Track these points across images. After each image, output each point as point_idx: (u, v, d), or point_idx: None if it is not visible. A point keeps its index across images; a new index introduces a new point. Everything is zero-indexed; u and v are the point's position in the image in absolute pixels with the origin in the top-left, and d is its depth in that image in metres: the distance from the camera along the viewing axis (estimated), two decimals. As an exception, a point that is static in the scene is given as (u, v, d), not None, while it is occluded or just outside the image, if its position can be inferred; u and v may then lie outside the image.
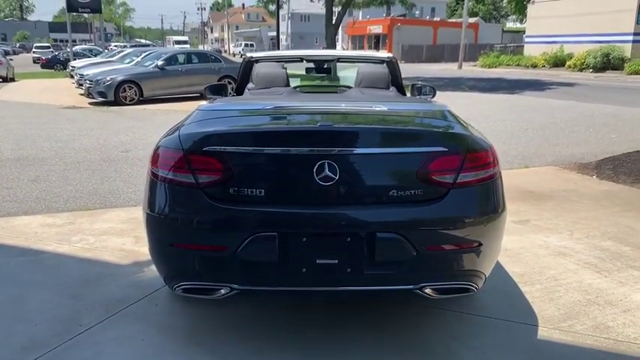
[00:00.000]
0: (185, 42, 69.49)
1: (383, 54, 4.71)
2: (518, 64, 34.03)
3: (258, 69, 4.24)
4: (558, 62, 31.40)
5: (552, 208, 5.11)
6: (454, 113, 2.97)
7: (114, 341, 2.74)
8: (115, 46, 42.62)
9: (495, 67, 34.95)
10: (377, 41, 52.70)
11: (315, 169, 2.33)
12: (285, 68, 4.23)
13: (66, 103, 14.53)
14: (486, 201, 2.55)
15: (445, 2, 71.79)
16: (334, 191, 2.36)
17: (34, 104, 14.69)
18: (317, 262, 2.37)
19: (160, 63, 15.42)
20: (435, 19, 61.26)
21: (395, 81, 4.77)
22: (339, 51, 5.37)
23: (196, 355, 2.63)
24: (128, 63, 17.43)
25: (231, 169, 2.40)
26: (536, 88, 19.55)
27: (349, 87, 3.91)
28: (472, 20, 53.87)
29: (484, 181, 2.53)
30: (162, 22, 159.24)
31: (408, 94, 4.84)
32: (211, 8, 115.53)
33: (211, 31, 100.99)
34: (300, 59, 4.71)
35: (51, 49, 43.88)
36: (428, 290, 2.46)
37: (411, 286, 2.45)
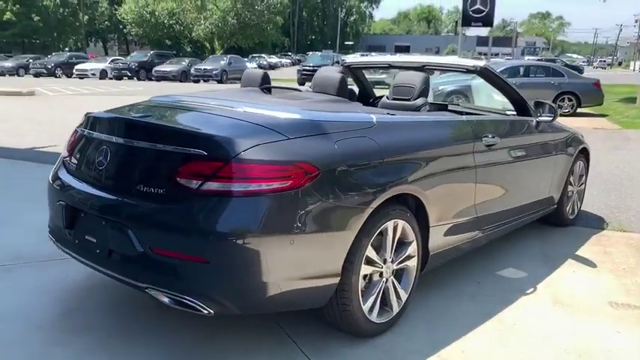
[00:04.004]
0: None
1: (470, 62, 3.89)
2: None
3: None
4: None
5: None
6: (313, 123, 2.54)
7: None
8: (528, 59, 40.77)
9: None
10: None
11: (97, 153, 2.61)
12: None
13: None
14: (230, 216, 2.22)
15: None
16: (102, 175, 2.58)
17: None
18: (85, 237, 2.60)
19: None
20: None
21: (502, 91, 4.00)
22: (428, 57, 4.70)
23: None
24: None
25: (76, 146, 2.89)
26: None
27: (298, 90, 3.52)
28: None
29: (242, 195, 2.23)
30: (595, 37, 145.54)
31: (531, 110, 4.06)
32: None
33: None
34: (388, 65, 4.46)
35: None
36: (154, 293, 2.35)
37: (140, 284, 2.39)
